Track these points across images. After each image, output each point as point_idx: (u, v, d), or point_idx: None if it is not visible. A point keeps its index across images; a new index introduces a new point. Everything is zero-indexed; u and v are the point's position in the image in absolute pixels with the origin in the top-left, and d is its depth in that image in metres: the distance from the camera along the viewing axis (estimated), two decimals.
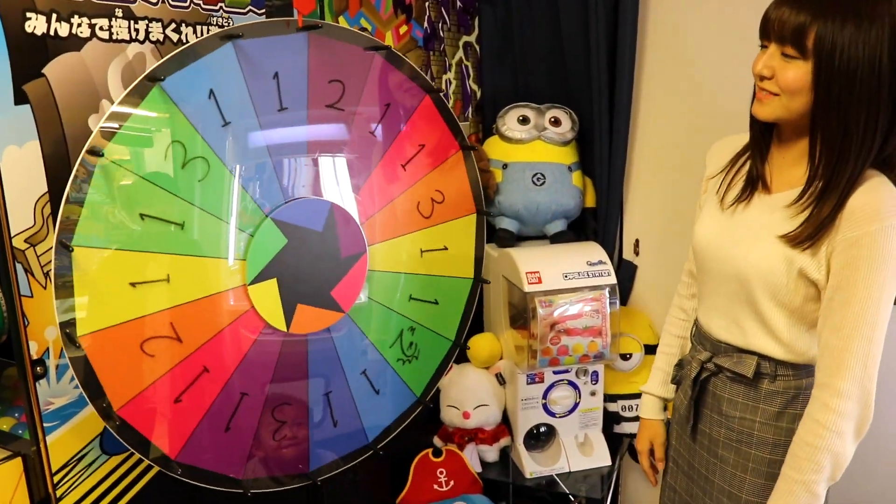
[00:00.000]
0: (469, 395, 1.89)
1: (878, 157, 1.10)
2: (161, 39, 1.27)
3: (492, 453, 1.92)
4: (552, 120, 1.96)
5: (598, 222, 2.03)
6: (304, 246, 1.38)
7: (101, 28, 1.17)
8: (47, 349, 1.16)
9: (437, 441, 1.97)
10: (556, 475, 1.89)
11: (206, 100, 1.24)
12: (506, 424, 1.95)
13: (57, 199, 1.11)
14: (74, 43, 1.14)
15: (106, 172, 1.13)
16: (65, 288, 1.11)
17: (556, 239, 1.95)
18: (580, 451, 1.93)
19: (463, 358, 1.91)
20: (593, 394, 1.93)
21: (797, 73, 1.08)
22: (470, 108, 2.15)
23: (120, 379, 1.19)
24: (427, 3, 1.91)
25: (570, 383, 1.91)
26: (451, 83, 2.04)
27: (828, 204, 1.10)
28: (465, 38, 2.10)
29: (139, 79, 1.15)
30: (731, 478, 1.27)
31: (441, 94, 1.64)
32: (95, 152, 1.11)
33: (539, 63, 2.08)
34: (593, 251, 1.84)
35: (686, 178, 1.69)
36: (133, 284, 1.19)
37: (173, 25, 1.28)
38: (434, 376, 1.72)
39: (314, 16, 1.52)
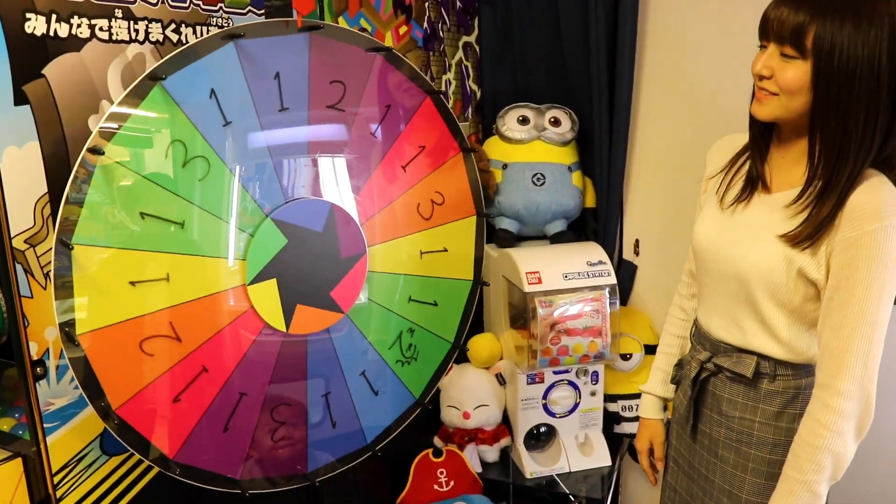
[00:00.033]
0: (469, 396, 1.89)
1: (877, 156, 1.10)
2: (161, 40, 1.27)
3: (492, 453, 1.92)
4: (552, 120, 1.96)
5: (598, 222, 2.03)
6: (304, 246, 1.38)
7: (100, 28, 1.18)
8: (47, 350, 1.16)
9: (437, 441, 1.97)
10: (557, 475, 1.89)
11: (208, 99, 1.24)
12: (506, 424, 1.95)
13: (57, 200, 1.11)
14: (74, 43, 1.14)
15: (106, 172, 1.13)
16: (64, 288, 1.11)
17: (556, 239, 1.95)
18: (580, 452, 1.93)
19: (463, 358, 1.91)
20: (593, 394, 1.93)
21: (796, 72, 1.08)
22: (470, 109, 2.15)
23: (119, 378, 1.19)
24: (427, 4, 1.91)
25: (571, 383, 1.91)
26: (450, 83, 2.04)
27: (827, 203, 1.10)
28: (464, 39, 2.10)
29: (140, 77, 1.16)
30: (731, 477, 1.27)
31: (441, 96, 1.64)
32: (96, 151, 1.11)
33: (539, 63, 2.08)
34: (593, 251, 1.84)
35: (686, 178, 1.69)
36: (133, 283, 1.19)
37: (173, 26, 1.28)
38: (433, 378, 1.73)
39: (314, 16, 1.52)
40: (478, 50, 2.16)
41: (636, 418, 1.56)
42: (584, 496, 1.83)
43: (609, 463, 1.92)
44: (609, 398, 2.00)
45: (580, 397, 1.92)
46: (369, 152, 1.52)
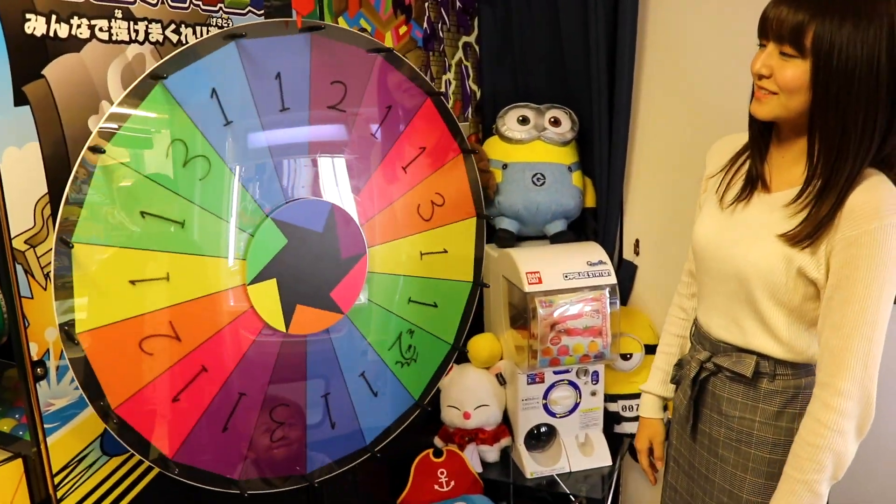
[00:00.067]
0: (469, 396, 1.89)
1: (876, 155, 1.10)
2: (161, 40, 1.27)
3: (492, 453, 1.92)
4: (552, 120, 1.96)
5: (598, 222, 2.03)
6: (304, 246, 1.38)
7: (100, 29, 1.18)
8: (47, 350, 1.16)
9: (437, 441, 1.97)
10: (557, 475, 1.89)
11: (209, 99, 1.24)
12: (506, 424, 1.95)
13: (57, 201, 1.11)
14: (74, 44, 1.15)
15: (106, 172, 1.13)
16: (64, 288, 1.11)
17: (556, 239, 1.95)
18: (581, 452, 1.93)
19: (463, 358, 1.91)
20: (594, 394, 1.93)
21: (795, 71, 1.08)
22: (470, 109, 2.15)
23: (118, 377, 1.19)
24: (426, 4, 1.91)
25: (571, 383, 1.91)
26: (450, 83, 2.04)
27: (826, 203, 1.10)
28: (464, 39, 2.10)
29: (142, 76, 1.16)
30: (731, 477, 1.27)
31: (442, 97, 1.64)
32: (97, 150, 1.11)
33: (539, 63, 2.08)
34: (593, 251, 1.84)
35: (686, 178, 1.69)
36: (133, 282, 1.19)
37: (173, 26, 1.28)
38: (432, 379, 1.73)
39: (313, 16, 1.52)
40: (477, 50, 2.16)
41: (636, 418, 1.56)
42: (584, 496, 1.83)
43: (609, 463, 1.92)
44: (609, 398, 2.00)
45: (580, 397, 1.92)
46: (370, 153, 1.52)
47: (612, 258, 1.88)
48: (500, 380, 1.93)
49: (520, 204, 1.92)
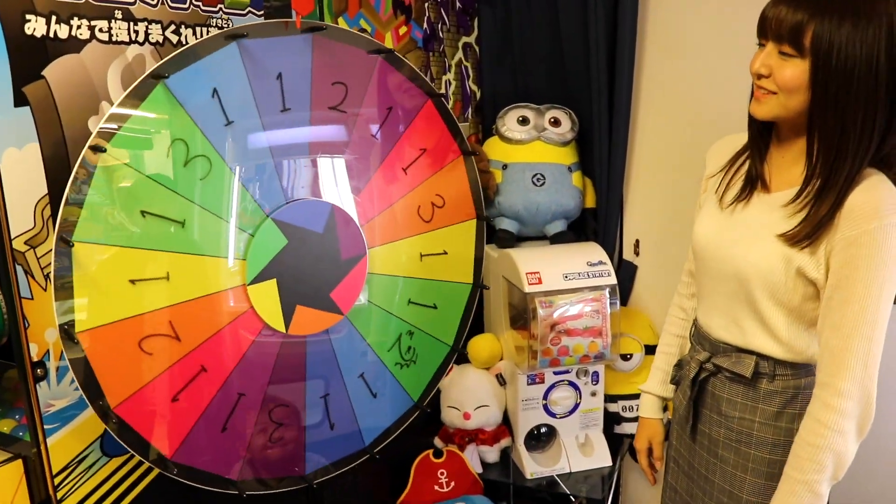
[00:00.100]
0: (469, 396, 1.89)
1: (876, 155, 1.10)
2: (161, 41, 1.27)
3: (492, 454, 1.92)
4: (552, 120, 1.96)
5: (598, 223, 2.03)
6: (305, 247, 1.38)
7: (100, 30, 1.18)
8: (47, 351, 1.16)
9: (437, 442, 1.97)
10: (557, 476, 1.89)
11: (210, 98, 1.25)
12: (506, 425, 1.95)
13: (57, 201, 1.11)
14: (74, 45, 1.15)
15: (106, 172, 1.14)
16: (64, 289, 1.12)
17: (556, 239, 1.95)
18: (581, 452, 1.93)
19: (463, 359, 1.91)
20: (594, 394, 1.93)
21: (794, 71, 1.08)
22: (469, 109, 2.15)
23: (117, 376, 1.19)
24: (426, 4, 1.91)
25: (571, 384, 1.91)
26: (450, 84, 2.05)
27: (826, 202, 1.10)
28: (464, 39, 2.10)
29: (143, 76, 1.16)
30: (731, 478, 1.27)
31: (443, 99, 1.64)
32: (98, 149, 1.11)
33: (538, 64, 2.08)
34: (593, 251, 1.84)
35: (686, 178, 1.69)
36: (132, 282, 1.19)
37: (173, 27, 1.28)
38: (432, 381, 1.73)
39: (313, 17, 1.52)
40: (477, 50, 2.16)
41: (637, 418, 1.56)
42: (584, 496, 1.83)
43: (609, 463, 1.92)
44: (609, 398, 2.00)
45: (580, 398, 1.92)
46: (371, 154, 1.52)
47: (612, 258, 1.88)
48: (500, 380, 1.93)
49: (520, 204, 1.92)
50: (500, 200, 1.94)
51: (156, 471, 1.33)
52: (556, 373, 1.88)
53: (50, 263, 1.11)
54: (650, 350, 1.99)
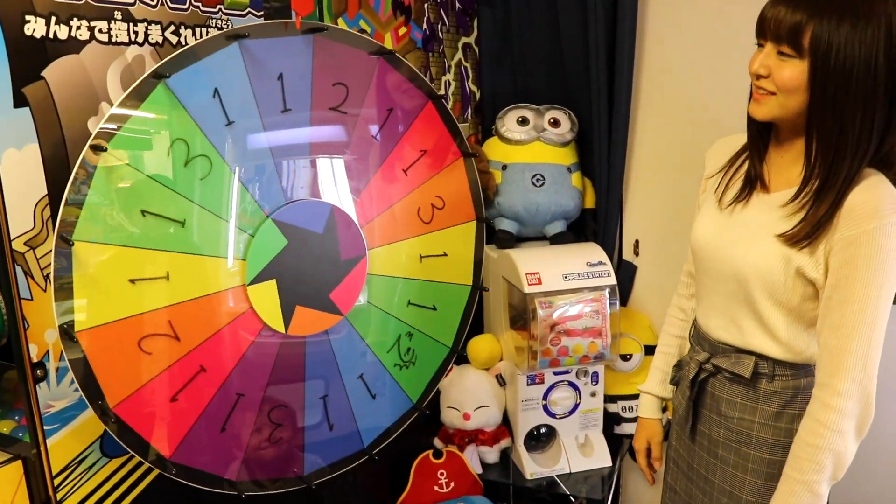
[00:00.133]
0: (469, 397, 1.89)
1: (875, 155, 1.10)
2: (160, 42, 1.27)
3: (492, 454, 1.92)
4: (551, 121, 1.96)
5: (597, 223, 2.03)
6: (305, 247, 1.39)
7: (100, 31, 1.18)
8: (47, 352, 1.16)
9: (437, 442, 1.97)
10: (557, 476, 1.89)
11: (211, 99, 1.25)
12: (506, 425, 1.95)
13: (56, 202, 1.11)
14: (73, 45, 1.15)
15: (106, 172, 1.14)
16: (64, 290, 1.12)
17: (556, 240, 1.95)
18: (580, 452, 1.93)
19: (463, 359, 1.91)
20: (593, 395, 1.93)
21: (793, 71, 1.08)
22: (469, 110, 2.15)
23: (117, 376, 1.19)
24: (426, 5, 1.91)
25: (571, 384, 1.91)
26: (450, 84, 2.05)
27: (825, 203, 1.10)
28: (464, 40, 2.10)
29: (144, 75, 1.16)
30: (731, 478, 1.27)
31: (443, 101, 1.64)
32: (98, 149, 1.11)
33: (538, 64, 2.08)
34: (593, 252, 1.84)
35: (685, 178, 1.69)
36: (132, 281, 1.19)
37: (172, 28, 1.28)
38: (431, 382, 1.73)
39: (313, 17, 1.52)
40: (477, 51, 2.16)
41: (636, 419, 1.56)
42: (584, 497, 1.83)
43: (609, 464, 1.92)
44: (609, 399, 2.00)
45: (580, 398, 1.92)
46: (371, 155, 1.52)
47: (611, 259, 1.88)
48: (500, 381, 1.93)
49: (519, 205, 1.93)
50: (500, 201, 1.94)
51: (155, 471, 1.33)
52: (555, 373, 1.88)
53: (50, 264, 1.11)
54: (650, 350, 1.99)
